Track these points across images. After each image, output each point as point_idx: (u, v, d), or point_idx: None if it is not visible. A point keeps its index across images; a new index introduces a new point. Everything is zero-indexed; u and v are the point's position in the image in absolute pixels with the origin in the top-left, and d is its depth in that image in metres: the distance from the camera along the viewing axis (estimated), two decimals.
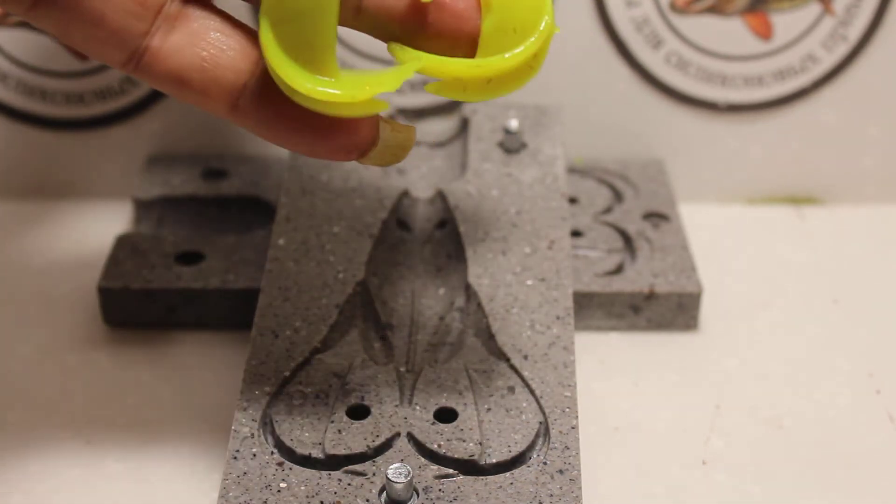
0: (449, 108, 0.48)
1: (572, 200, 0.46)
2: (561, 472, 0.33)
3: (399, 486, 0.31)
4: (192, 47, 0.30)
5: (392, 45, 0.31)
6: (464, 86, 0.31)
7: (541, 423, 0.34)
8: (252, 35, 0.31)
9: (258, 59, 0.31)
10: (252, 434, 0.34)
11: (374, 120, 0.31)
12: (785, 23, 0.47)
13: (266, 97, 0.31)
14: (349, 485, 0.32)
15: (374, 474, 0.33)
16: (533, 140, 0.44)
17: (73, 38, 0.30)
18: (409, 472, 0.32)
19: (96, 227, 0.47)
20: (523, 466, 0.33)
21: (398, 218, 0.42)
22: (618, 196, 0.47)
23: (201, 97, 0.31)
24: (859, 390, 0.40)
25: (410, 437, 0.34)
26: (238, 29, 0.31)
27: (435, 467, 0.33)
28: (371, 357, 0.37)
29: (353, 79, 0.30)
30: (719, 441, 0.38)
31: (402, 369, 0.36)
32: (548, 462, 0.33)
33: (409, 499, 0.32)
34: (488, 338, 0.37)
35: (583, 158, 0.49)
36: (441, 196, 0.42)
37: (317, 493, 0.32)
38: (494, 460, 0.33)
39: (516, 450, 0.33)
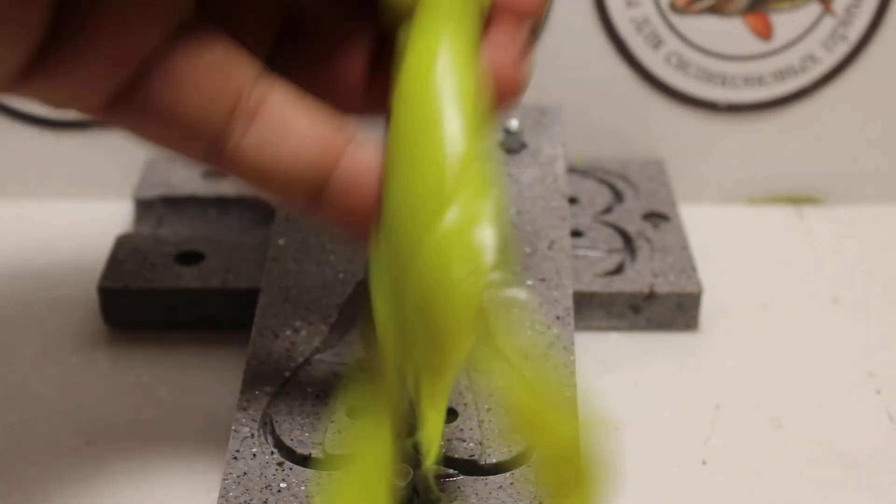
0: None
1: (572, 200, 0.46)
2: None
3: (399, 486, 0.31)
4: (271, 145, 0.29)
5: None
6: None
7: None
8: (334, 125, 0.29)
9: (338, 155, 0.29)
10: (252, 434, 0.34)
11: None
12: (785, 23, 0.47)
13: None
14: None
15: None
16: (533, 140, 0.44)
17: (148, 135, 0.29)
18: (410, 473, 0.32)
19: (96, 227, 0.47)
20: (523, 466, 0.33)
21: None
22: (618, 196, 0.47)
23: (282, 194, 0.30)
24: (859, 390, 0.40)
25: None
26: (319, 116, 0.29)
27: (435, 467, 0.33)
28: (371, 357, 0.37)
29: None
30: (719, 441, 0.38)
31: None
32: None
33: (409, 499, 0.32)
34: (488, 338, 0.37)
35: (582, 158, 0.49)
36: None
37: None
38: (494, 460, 0.33)
39: (516, 450, 0.33)
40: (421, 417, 0.28)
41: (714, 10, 0.47)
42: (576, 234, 0.44)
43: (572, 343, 0.37)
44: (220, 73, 0.28)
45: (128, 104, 0.28)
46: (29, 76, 0.27)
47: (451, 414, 0.35)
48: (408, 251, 0.27)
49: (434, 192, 0.27)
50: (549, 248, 0.40)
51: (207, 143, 0.29)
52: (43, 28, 0.26)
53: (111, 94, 0.28)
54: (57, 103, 0.28)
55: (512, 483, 0.32)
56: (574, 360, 0.36)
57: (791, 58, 0.48)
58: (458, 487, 0.32)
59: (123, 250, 0.43)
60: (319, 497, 0.31)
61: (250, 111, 0.29)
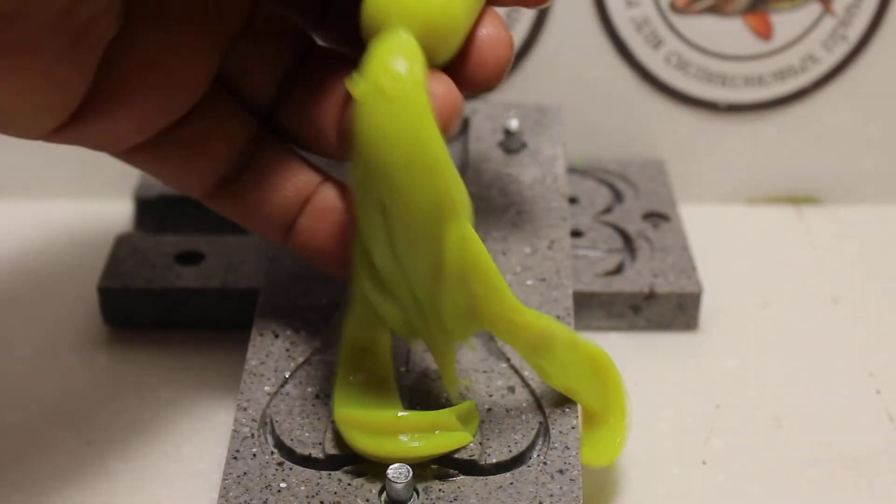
0: None
1: (572, 200, 0.46)
2: (561, 472, 0.33)
3: (399, 486, 0.31)
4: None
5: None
6: None
7: (541, 423, 0.34)
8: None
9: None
10: (252, 434, 0.34)
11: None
12: (785, 23, 0.47)
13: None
14: (349, 485, 0.32)
15: (374, 474, 0.33)
16: (533, 140, 0.44)
17: (241, 221, 0.35)
18: (409, 472, 0.32)
19: (96, 227, 0.47)
20: (523, 466, 0.33)
21: None
22: (618, 196, 0.47)
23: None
24: (859, 390, 0.40)
25: None
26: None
27: (435, 467, 0.33)
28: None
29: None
30: (719, 441, 0.38)
31: (402, 369, 0.36)
32: (548, 462, 0.33)
33: (409, 499, 0.32)
34: (488, 338, 0.37)
35: (582, 158, 0.49)
36: None
37: (317, 493, 0.32)
38: (494, 460, 0.33)
39: (516, 450, 0.33)
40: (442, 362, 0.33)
41: (714, 10, 0.47)
42: (576, 234, 0.44)
43: None
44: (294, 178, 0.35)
45: (224, 197, 0.35)
46: (68, 125, 0.30)
47: None
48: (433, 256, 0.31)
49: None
50: (549, 248, 0.40)
51: (284, 229, 0.35)
52: (91, 76, 0.29)
53: (212, 186, 0.34)
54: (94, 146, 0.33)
55: (512, 483, 0.32)
56: None
57: (791, 58, 0.48)
58: (458, 487, 0.32)
59: (123, 250, 0.43)
60: (338, 407, 0.33)
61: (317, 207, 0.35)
